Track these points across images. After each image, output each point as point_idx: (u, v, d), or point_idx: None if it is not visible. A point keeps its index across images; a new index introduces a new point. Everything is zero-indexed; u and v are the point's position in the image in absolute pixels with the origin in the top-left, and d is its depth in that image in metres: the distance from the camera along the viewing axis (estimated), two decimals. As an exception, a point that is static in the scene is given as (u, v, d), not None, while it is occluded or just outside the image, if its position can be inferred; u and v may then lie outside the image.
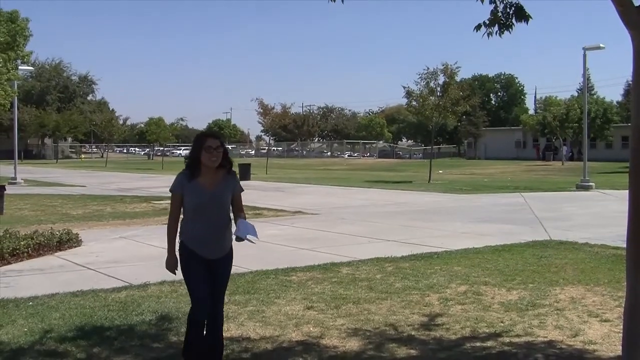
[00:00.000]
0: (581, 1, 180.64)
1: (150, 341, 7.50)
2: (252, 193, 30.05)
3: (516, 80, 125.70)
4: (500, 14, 7.36)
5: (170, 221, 6.46)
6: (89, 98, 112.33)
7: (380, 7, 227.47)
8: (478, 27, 7.53)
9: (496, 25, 7.43)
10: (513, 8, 7.33)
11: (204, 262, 6.32)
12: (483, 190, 31.81)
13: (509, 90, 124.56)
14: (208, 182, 6.29)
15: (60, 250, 13.60)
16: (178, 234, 6.46)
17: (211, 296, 6.35)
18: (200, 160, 6.24)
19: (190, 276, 6.40)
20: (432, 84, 39.44)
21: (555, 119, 73.92)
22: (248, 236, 6.28)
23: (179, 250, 6.44)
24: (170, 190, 6.42)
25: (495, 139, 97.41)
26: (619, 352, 6.24)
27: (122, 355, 7.06)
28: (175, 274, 6.53)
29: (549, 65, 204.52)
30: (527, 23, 7.36)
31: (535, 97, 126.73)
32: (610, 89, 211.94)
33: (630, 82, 6.20)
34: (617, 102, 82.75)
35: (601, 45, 35.84)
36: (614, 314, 8.47)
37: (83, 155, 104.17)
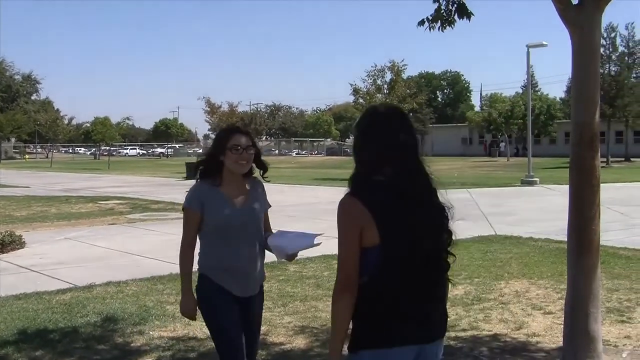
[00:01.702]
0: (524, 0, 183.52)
1: (95, 343, 7.42)
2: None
3: (462, 78, 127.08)
4: (442, 11, 7.46)
5: (183, 248, 4.74)
6: (32, 97, 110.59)
7: (328, 2, 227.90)
8: (422, 23, 7.63)
9: (439, 21, 7.53)
10: (455, 5, 7.43)
11: (235, 301, 4.67)
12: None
13: (455, 87, 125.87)
14: (235, 194, 4.70)
15: (2, 252, 13.38)
16: (197, 266, 4.83)
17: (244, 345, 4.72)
18: (223, 165, 4.67)
19: (218, 321, 4.69)
20: (379, 82, 39.66)
21: (500, 116, 74.92)
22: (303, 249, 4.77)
23: (198, 287, 4.77)
24: (184, 207, 4.75)
25: (442, 136, 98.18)
26: (561, 343, 6.34)
27: (65, 358, 6.97)
28: (195, 319, 4.87)
29: (494, 63, 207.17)
30: (469, 20, 7.47)
31: (480, 94, 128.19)
32: (554, 86, 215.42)
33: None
34: (561, 99, 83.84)
35: (544, 42, 36.49)
36: (556, 306, 8.60)
37: (27, 156, 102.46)
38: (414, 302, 3.25)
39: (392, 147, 3.32)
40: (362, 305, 3.24)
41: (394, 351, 3.21)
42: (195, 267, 4.74)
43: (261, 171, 4.86)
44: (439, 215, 3.39)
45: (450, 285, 3.53)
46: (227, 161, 4.61)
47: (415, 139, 3.43)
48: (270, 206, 4.91)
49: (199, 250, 4.78)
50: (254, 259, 4.72)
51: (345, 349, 3.30)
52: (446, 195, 3.47)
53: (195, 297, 4.73)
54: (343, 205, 3.27)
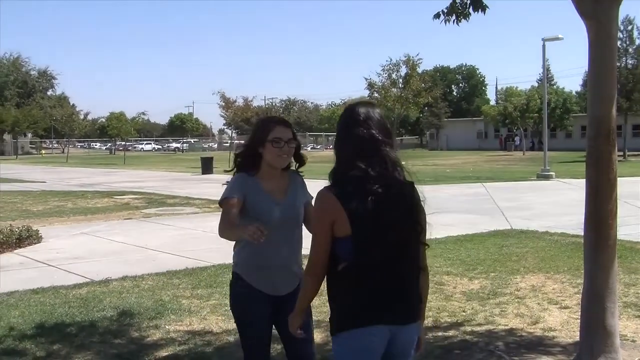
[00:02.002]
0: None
1: (111, 337, 7.45)
2: (215, 187, 30.00)
3: (477, 72, 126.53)
4: (457, 4, 7.45)
5: (222, 226, 4.44)
6: (48, 93, 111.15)
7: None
8: (437, 16, 7.63)
9: (454, 15, 7.52)
10: (471, -2, 7.43)
11: (267, 300, 4.47)
12: (445, 181, 31.98)
13: (470, 81, 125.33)
14: (274, 188, 4.48)
15: (20, 247, 13.44)
16: (231, 263, 4.65)
17: (290, 340, 4.41)
18: (262, 158, 4.44)
19: (247, 325, 4.52)
20: (394, 76, 39.68)
21: (516, 110, 74.53)
22: None
23: (232, 285, 4.59)
24: (225, 198, 4.43)
25: (457, 130, 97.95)
26: (577, 338, 6.33)
27: (82, 351, 7.00)
28: (263, 232, 3.98)
29: (509, 57, 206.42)
30: (484, 13, 7.46)
31: (496, 88, 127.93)
32: (570, 80, 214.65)
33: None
34: (577, 92, 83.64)
35: (560, 36, 36.20)
36: (572, 300, 8.57)
37: (44, 151, 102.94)
38: (385, 288, 3.54)
39: (366, 144, 3.57)
40: (340, 290, 3.61)
41: (367, 330, 3.52)
42: (224, 260, 4.68)
43: (297, 164, 4.64)
44: (411, 208, 3.66)
45: (424, 275, 3.80)
46: (267, 154, 4.39)
47: (388, 136, 3.66)
48: (312, 197, 4.43)
49: (233, 248, 4.63)
50: (293, 255, 4.53)
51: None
52: (421, 188, 3.76)
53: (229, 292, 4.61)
54: (320, 199, 3.59)
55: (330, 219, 3.53)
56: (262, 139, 4.39)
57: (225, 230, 4.41)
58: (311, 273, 3.67)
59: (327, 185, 3.60)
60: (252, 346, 4.54)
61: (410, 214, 3.66)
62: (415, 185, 3.73)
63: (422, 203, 3.74)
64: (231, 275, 4.61)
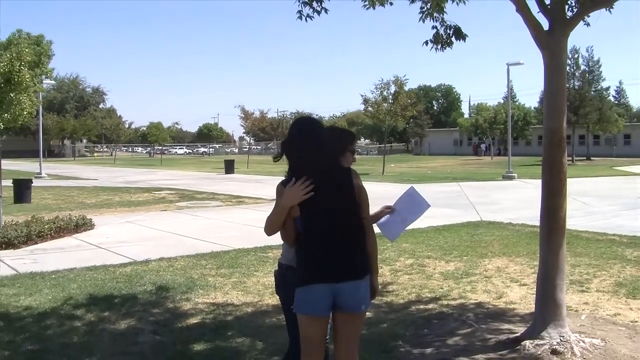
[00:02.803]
0: (506, 24, 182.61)
1: (150, 307, 7.49)
2: (236, 184, 30.06)
3: (454, 90, 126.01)
4: (442, 34, 7.45)
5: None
6: (100, 106, 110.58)
7: (342, 27, 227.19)
8: (426, 43, 7.62)
9: (440, 43, 7.53)
10: (452, 29, 7.43)
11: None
12: (427, 180, 31.94)
13: (448, 98, 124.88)
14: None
15: (77, 232, 13.52)
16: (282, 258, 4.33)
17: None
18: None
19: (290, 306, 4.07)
20: (385, 93, 39.51)
21: (485, 122, 74.60)
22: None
23: (278, 273, 4.36)
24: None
25: (437, 138, 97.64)
26: (533, 309, 6.36)
27: (127, 318, 7.05)
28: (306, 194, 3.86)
29: (480, 77, 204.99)
30: (464, 41, 7.46)
31: (469, 103, 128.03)
32: (530, 97, 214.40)
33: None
34: (535, 108, 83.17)
35: (521, 61, 36.62)
36: (530, 279, 8.59)
37: (96, 154, 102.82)
38: (324, 254, 3.86)
39: (307, 151, 3.94)
40: (299, 252, 3.96)
41: (313, 287, 3.85)
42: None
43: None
44: (345, 198, 3.95)
45: (370, 238, 4.08)
46: (344, 160, 4.28)
47: (323, 144, 3.98)
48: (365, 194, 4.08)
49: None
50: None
51: None
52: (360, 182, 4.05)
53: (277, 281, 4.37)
54: (277, 189, 3.98)
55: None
56: (345, 147, 4.36)
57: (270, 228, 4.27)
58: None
59: (282, 180, 4.01)
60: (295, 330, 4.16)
61: (342, 194, 3.95)
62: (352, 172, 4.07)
63: (358, 185, 4.03)
64: (278, 266, 4.39)
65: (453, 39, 7.50)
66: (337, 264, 3.87)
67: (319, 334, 3.99)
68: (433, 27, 7.50)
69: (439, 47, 7.60)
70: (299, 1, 7.27)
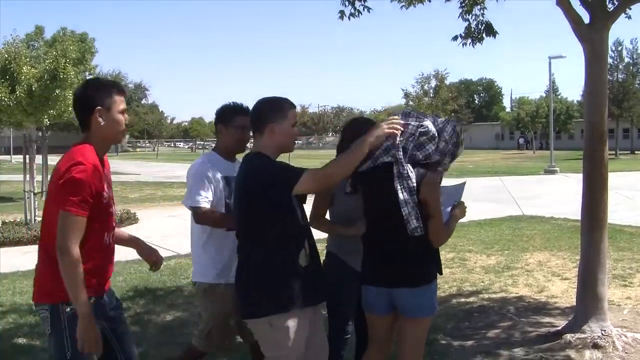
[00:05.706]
0: (548, 17, 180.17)
1: (194, 299, 7.62)
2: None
3: (495, 84, 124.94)
4: (473, 29, 7.46)
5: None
6: (142, 102, 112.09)
7: (384, 21, 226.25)
8: (455, 38, 7.63)
9: (470, 38, 7.53)
10: (484, 25, 7.42)
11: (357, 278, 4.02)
12: (468, 174, 31.73)
13: (489, 92, 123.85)
14: None
15: (121, 226, 13.74)
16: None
17: None
18: None
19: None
20: (426, 87, 39.47)
21: (527, 116, 73.74)
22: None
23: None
24: None
25: (479, 133, 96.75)
26: (574, 303, 6.35)
27: (172, 310, 7.22)
28: None
29: (522, 71, 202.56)
30: (494, 37, 7.44)
31: (511, 97, 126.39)
32: (572, 90, 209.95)
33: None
34: (577, 101, 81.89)
35: (563, 54, 36.11)
36: (572, 273, 8.55)
37: (138, 149, 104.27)
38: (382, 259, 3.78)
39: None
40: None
41: (369, 288, 3.82)
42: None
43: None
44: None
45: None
46: None
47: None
48: None
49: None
50: None
51: None
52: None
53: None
54: None
55: None
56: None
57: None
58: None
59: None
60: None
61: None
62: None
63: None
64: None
65: (484, 34, 7.50)
66: (391, 269, 3.70)
67: (377, 333, 3.89)
68: (465, 20, 7.50)
69: (469, 42, 7.60)
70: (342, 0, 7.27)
